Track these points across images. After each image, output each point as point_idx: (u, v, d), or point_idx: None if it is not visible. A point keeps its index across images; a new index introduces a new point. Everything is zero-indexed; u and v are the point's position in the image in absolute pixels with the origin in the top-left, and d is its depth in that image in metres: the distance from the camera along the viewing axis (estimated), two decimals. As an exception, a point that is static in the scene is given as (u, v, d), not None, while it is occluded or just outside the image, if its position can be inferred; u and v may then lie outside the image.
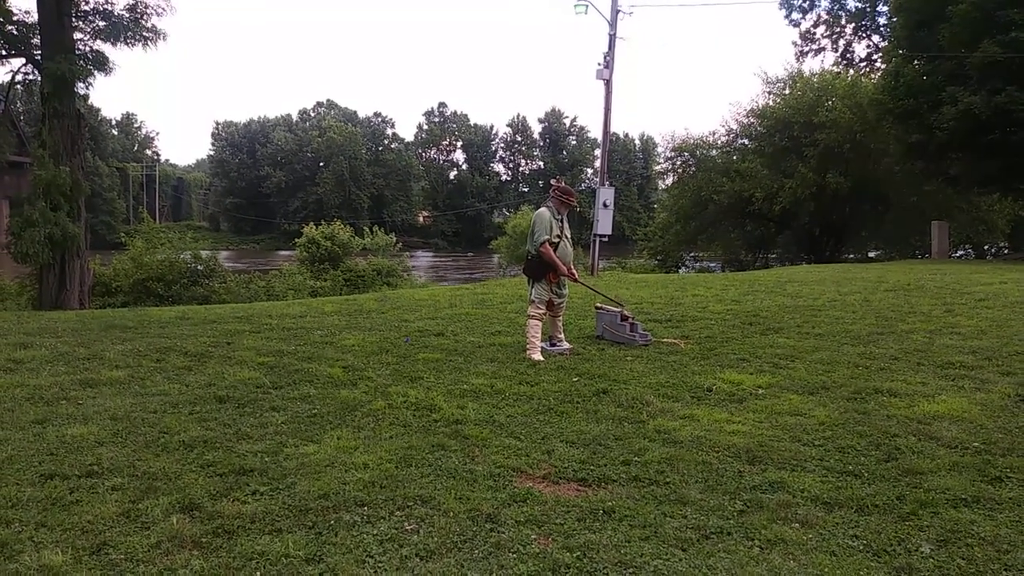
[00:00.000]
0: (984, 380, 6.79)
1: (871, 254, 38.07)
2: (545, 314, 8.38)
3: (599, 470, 4.62)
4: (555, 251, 8.16)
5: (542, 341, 8.32)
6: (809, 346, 8.46)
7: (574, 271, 8.58)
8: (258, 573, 3.32)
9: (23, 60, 17.52)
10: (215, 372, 7.16)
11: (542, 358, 7.90)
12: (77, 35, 17.09)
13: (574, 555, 3.53)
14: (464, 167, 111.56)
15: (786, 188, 32.36)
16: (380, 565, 3.41)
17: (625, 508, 4.05)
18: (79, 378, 6.82)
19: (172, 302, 19.75)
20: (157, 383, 6.74)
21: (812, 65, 39.54)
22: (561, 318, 8.65)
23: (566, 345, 8.48)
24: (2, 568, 3.33)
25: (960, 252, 36.31)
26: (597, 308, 9.36)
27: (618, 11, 22.98)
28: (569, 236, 8.41)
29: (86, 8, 17.49)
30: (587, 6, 22.72)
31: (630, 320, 8.98)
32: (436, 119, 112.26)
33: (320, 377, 7.00)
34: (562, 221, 8.32)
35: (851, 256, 36.67)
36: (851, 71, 37.26)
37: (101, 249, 37.24)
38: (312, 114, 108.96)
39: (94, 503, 4.04)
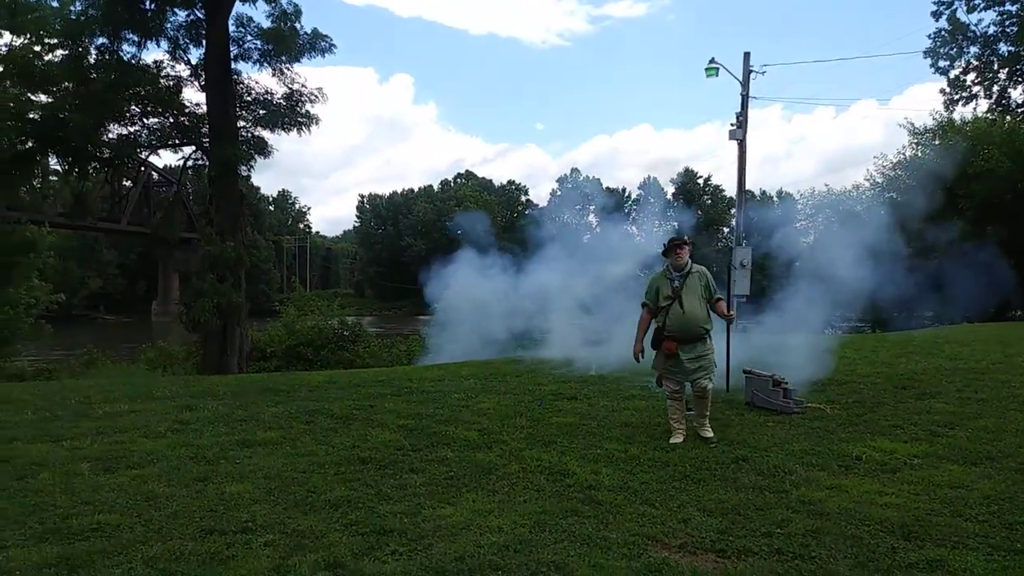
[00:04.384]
0: None
1: (1039, 312, 34.93)
2: (681, 395, 7.22)
3: (738, 541, 4.46)
4: (666, 315, 7.10)
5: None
6: (971, 412, 7.86)
7: (721, 305, 7.26)
8: (397, 633, 3.41)
9: (193, 147, 19.38)
10: (359, 434, 7.46)
11: (679, 440, 7.00)
12: (240, 123, 18.78)
13: (712, 630, 3.41)
14: (598, 231, 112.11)
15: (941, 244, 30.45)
16: (514, 630, 3.42)
17: (767, 582, 3.88)
18: (237, 438, 7.29)
19: (320, 366, 20.77)
20: (306, 444, 7.09)
21: (964, 113, 37.32)
22: (704, 401, 7.15)
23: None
24: (167, 617, 3.59)
25: None
26: (745, 372, 8.87)
27: (750, 71, 22.82)
28: (703, 295, 7.10)
29: (249, 98, 19.22)
30: (718, 68, 22.70)
31: (783, 385, 8.46)
32: (569, 185, 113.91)
33: (457, 440, 7.16)
34: (682, 280, 7.11)
35: (1018, 314, 33.80)
36: (1008, 117, 34.98)
37: (257, 317, 39.77)
38: (452, 185, 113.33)
39: (248, 558, 4.29)
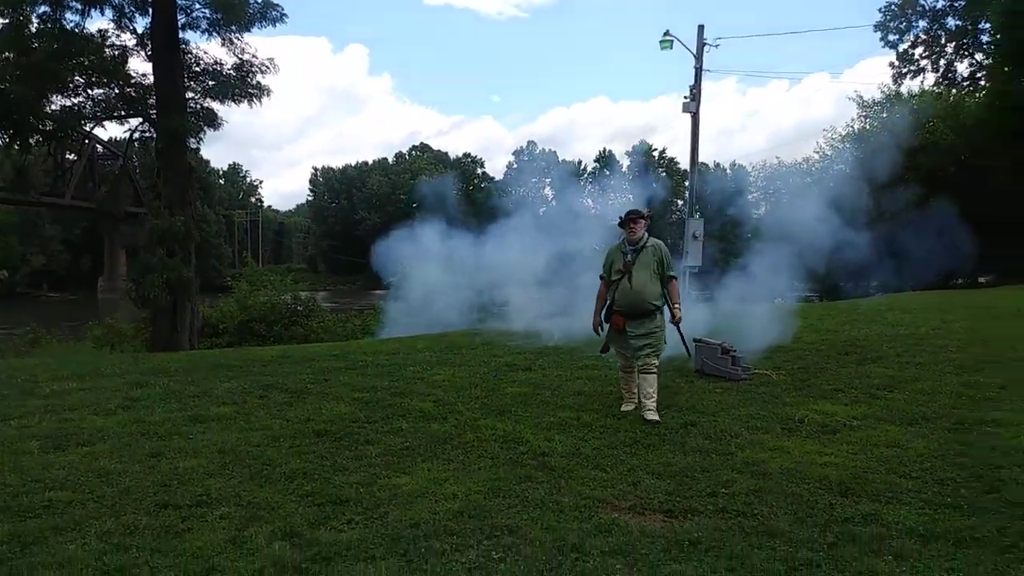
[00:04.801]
0: (1101, 409, 6.42)
1: (981, 280, 36.15)
2: (630, 369, 7.17)
3: (685, 501, 4.63)
4: (616, 289, 7.02)
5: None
6: (909, 376, 8.18)
7: (676, 311, 7.05)
8: (353, 597, 3.48)
9: (140, 119, 18.89)
10: (313, 408, 7.47)
11: (630, 408, 7.07)
12: (189, 94, 18.34)
13: (658, 585, 3.55)
14: (553, 203, 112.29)
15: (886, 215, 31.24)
16: (468, 592, 3.52)
17: (711, 539, 4.04)
18: (190, 414, 7.24)
19: (274, 342, 20.57)
20: (261, 418, 7.08)
21: (912, 86, 38.16)
22: (648, 378, 6.92)
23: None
24: (123, 588, 3.61)
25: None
26: (696, 341, 8.91)
27: (704, 44, 22.98)
28: (656, 270, 6.93)
29: (197, 69, 18.77)
30: (672, 41, 22.81)
31: (732, 353, 8.69)
32: (525, 158, 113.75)
33: (412, 411, 7.22)
34: (635, 254, 6.97)
35: (959, 282, 34.94)
36: (953, 91, 35.88)
37: (208, 292, 39.13)
38: (407, 157, 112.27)
39: (204, 531, 4.31)
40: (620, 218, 7.18)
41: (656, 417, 6.70)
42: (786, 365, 9.13)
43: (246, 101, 18.99)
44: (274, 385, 8.66)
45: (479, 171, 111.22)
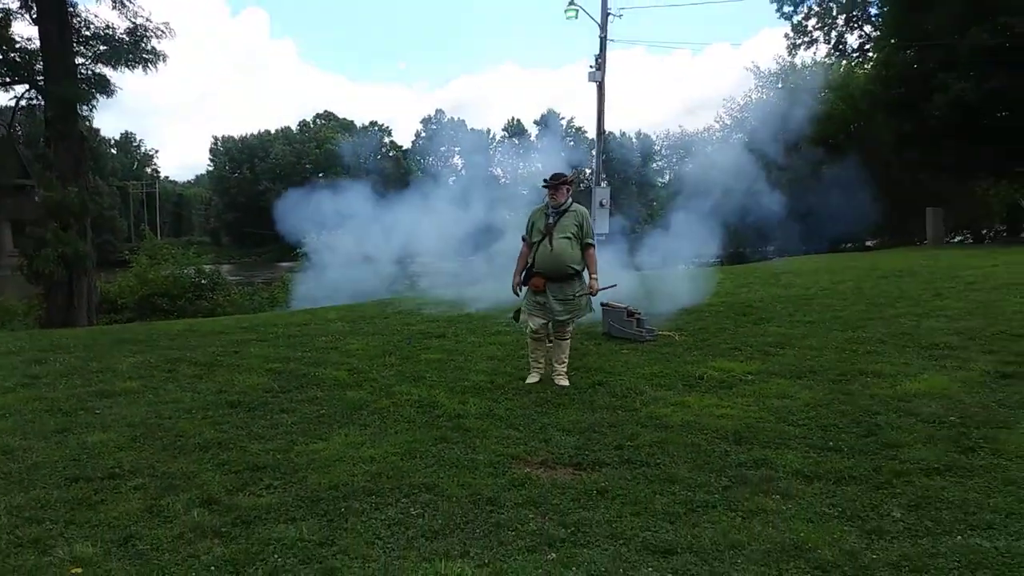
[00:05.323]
0: (966, 359, 7.04)
1: (868, 243, 38.25)
2: (542, 335, 7.06)
3: (593, 455, 4.89)
4: (536, 251, 6.93)
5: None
6: (799, 333, 8.72)
7: (594, 282, 6.94)
8: (276, 556, 3.58)
9: (26, 86, 17.84)
10: (225, 380, 7.41)
11: (535, 380, 6.98)
12: (79, 59, 17.38)
13: (569, 531, 3.79)
14: (463, 172, 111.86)
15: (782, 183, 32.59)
16: (388, 546, 3.67)
17: (617, 488, 4.31)
18: (94, 390, 7.07)
19: (178, 316, 19.99)
20: (170, 392, 6.99)
21: (804, 58, 39.70)
22: (562, 344, 7.04)
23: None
24: (37, 560, 3.60)
25: (959, 238, 36.48)
26: (603, 305, 9.20)
27: (608, 14, 23.29)
28: (575, 234, 6.84)
29: (87, 33, 17.80)
30: (577, 11, 23.04)
31: (637, 316, 9.05)
32: (433, 126, 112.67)
33: (326, 380, 7.26)
34: (556, 217, 6.87)
35: (848, 246, 36.87)
36: (844, 62, 37.51)
37: (104, 267, 37.51)
38: (312, 126, 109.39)
39: (118, 502, 4.30)
40: (545, 181, 7.06)
41: (566, 382, 6.84)
42: (687, 327, 9.56)
43: (141, 67, 18.16)
44: (182, 359, 8.51)
45: (387, 140, 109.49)
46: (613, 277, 8.15)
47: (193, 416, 6.09)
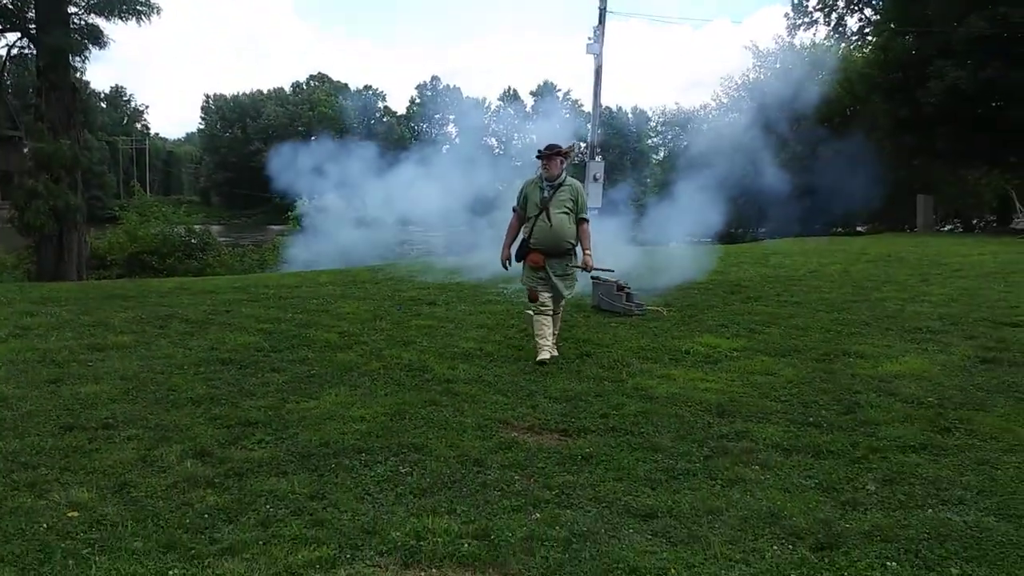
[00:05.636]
0: (947, 343, 7.18)
1: (860, 228, 38.42)
2: (543, 307, 6.77)
3: (579, 422, 4.99)
4: (533, 226, 6.74)
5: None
6: (786, 313, 8.84)
7: (588, 258, 6.83)
8: (267, 506, 3.68)
9: (18, 34, 17.62)
10: (216, 337, 7.47)
11: (546, 356, 6.61)
12: (72, 8, 17.18)
13: (553, 492, 3.90)
14: (457, 141, 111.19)
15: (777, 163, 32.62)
16: (378, 501, 3.77)
17: (601, 454, 4.42)
18: (86, 343, 7.13)
19: (167, 275, 19.96)
20: (162, 347, 7.05)
21: (804, 39, 39.54)
22: (556, 317, 6.94)
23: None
24: (34, 503, 3.68)
25: (949, 226, 36.70)
26: (593, 279, 9.17)
27: (608, -16, 23.09)
28: (571, 208, 6.70)
29: (81, -18, 17.59)
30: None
31: (626, 290, 9.13)
32: (428, 92, 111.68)
33: (317, 342, 7.33)
34: (552, 191, 6.68)
35: (839, 230, 37.04)
36: (843, 45, 37.40)
37: (93, 223, 37.29)
38: (305, 87, 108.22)
39: (112, 451, 4.38)
40: (539, 152, 6.87)
41: (556, 352, 6.79)
42: (676, 302, 9.67)
43: (134, 18, 17.97)
44: (173, 316, 8.56)
45: (381, 105, 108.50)
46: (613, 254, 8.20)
47: (185, 372, 6.16)
